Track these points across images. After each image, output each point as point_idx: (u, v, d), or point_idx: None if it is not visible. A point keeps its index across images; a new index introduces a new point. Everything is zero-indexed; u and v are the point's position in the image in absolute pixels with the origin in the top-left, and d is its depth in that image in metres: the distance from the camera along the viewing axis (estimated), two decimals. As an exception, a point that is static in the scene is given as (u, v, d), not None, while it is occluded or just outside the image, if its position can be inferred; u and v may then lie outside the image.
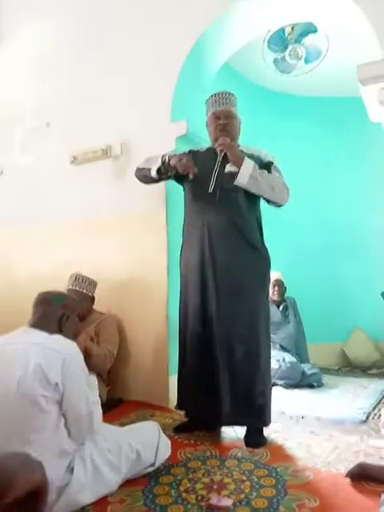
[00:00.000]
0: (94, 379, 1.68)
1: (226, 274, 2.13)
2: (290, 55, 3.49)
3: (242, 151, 2.26)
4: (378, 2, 2.20)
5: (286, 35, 3.42)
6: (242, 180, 2.12)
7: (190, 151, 2.40)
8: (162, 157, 2.27)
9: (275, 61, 3.56)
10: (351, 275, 4.11)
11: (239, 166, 2.12)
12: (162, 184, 2.71)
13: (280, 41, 3.44)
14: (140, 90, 2.90)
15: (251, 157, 2.22)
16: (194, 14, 2.72)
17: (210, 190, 2.17)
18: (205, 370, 2.11)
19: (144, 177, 2.40)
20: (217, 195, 2.16)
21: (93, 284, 2.76)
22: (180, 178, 2.35)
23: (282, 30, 3.37)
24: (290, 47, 3.44)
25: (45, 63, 3.38)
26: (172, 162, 2.21)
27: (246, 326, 2.11)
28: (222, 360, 2.07)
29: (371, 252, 4.11)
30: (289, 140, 4.15)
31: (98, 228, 2.98)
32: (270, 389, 2.19)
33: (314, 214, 4.19)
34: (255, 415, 2.09)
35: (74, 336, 1.72)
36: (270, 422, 2.14)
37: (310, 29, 3.34)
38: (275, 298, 3.63)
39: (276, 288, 3.63)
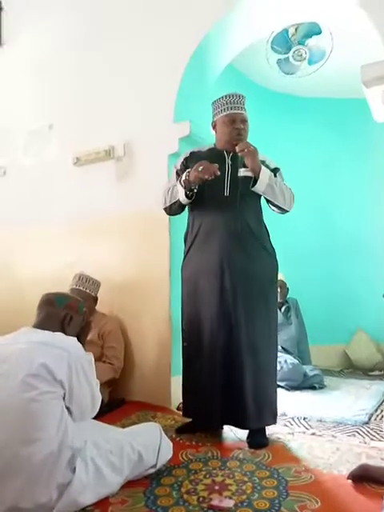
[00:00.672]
0: (90, 356, 1.67)
1: (246, 279, 2.12)
2: (293, 56, 3.49)
3: None
4: (381, 3, 2.20)
5: (290, 36, 3.41)
6: (261, 187, 2.14)
7: (190, 153, 2.34)
8: (181, 181, 2.19)
9: (279, 62, 3.56)
10: (353, 276, 4.11)
11: (257, 173, 2.13)
12: (164, 184, 2.72)
13: (283, 42, 3.44)
14: (143, 90, 2.91)
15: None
16: (197, 14, 2.72)
17: (226, 193, 2.17)
18: (225, 376, 2.09)
19: (176, 210, 2.33)
20: (235, 199, 2.16)
21: (96, 284, 2.77)
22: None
23: (286, 31, 3.37)
24: (293, 48, 3.44)
25: (47, 65, 3.39)
26: (192, 178, 2.13)
27: (263, 331, 2.13)
28: (245, 365, 2.08)
29: (373, 253, 4.10)
30: (292, 141, 4.16)
31: (101, 229, 2.98)
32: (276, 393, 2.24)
33: (317, 216, 4.19)
34: (272, 415, 2.16)
35: (83, 340, 1.73)
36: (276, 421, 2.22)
37: (313, 30, 3.34)
38: (278, 299, 3.62)
39: (279, 290, 3.63)
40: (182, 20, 2.79)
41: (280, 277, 3.58)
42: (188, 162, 2.30)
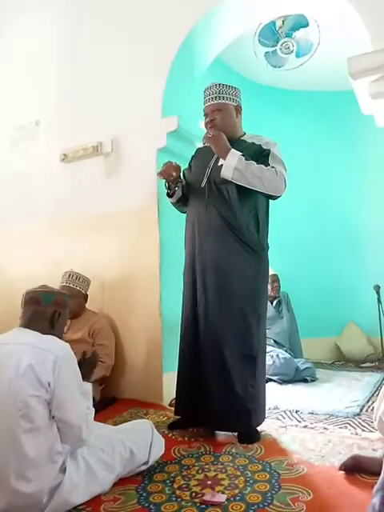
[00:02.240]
0: (89, 386, 1.66)
1: (214, 272, 2.07)
2: (281, 49, 3.48)
3: (243, 140, 2.21)
4: (368, -5, 2.19)
5: (277, 29, 3.41)
6: (227, 172, 2.02)
7: (197, 150, 2.41)
8: (165, 184, 2.30)
9: (266, 54, 3.55)
10: (344, 269, 4.13)
11: (224, 158, 2.03)
12: (153, 181, 2.71)
13: (271, 34, 3.43)
14: (130, 85, 2.88)
15: (251, 146, 2.15)
16: (184, 7, 2.69)
17: (203, 184, 2.15)
18: (194, 373, 2.09)
19: (177, 207, 2.39)
20: (209, 189, 2.13)
21: (86, 282, 2.75)
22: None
23: (273, 23, 3.36)
24: (281, 41, 3.43)
25: (34, 61, 3.34)
26: (167, 180, 2.24)
27: (234, 328, 2.04)
28: (209, 363, 2.04)
29: (364, 246, 4.12)
30: (280, 134, 4.11)
31: (90, 226, 2.96)
32: (264, 392, 2.15)
33: (307, 209, 4.20)
34: (242, 421, 2.03)
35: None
36: (262, 421, 2.12)
37: (300, 22, 3.33)
38: (272, 293, 3.64)
39: (274, 284, 3.65)
40: (168, 13, 2.76)
41: (272, 271, 3.60)
42: (192, 160, 2.36)
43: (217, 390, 2.03)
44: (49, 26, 3.31)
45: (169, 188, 2.29)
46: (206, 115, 2.24)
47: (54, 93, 3.22)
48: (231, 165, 2.01)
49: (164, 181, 2.28)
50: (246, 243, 2.08)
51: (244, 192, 2.07)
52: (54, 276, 2.74)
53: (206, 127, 2.25)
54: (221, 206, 2.10)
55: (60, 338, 1.58)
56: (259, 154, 2.11)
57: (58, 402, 1.41)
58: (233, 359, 2.03)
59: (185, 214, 2.34)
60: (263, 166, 2.04)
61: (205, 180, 2.16)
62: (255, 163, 2.04)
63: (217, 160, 2.17)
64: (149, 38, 2.82)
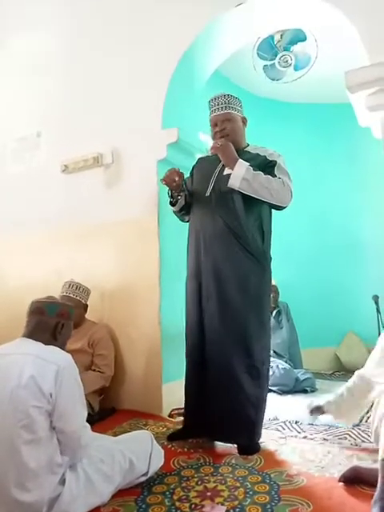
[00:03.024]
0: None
1: (219, 281, 2.07)
2: (279, 62, 3.53)
3: (247, 151, 2.22)
4: (364, 10, 2.24)
5: (276, 43, 3.46)
6: (235, 182, 2.03)
7: (198, 159, 2.42)
8: (168, 192, 2.31)
9: (265, 68, 3.60)
10: (344, 280, 4.13)
11: (232, 168, 2.05)
12: (153, 192, 2.73)
13: (269, 48, 3.48)
14: (130, 97, 2.91)
15: (256, 157, 2.17)
16: (184, 21, 2.74)
17: (208, 193, 2.16)
18: (199, 382, 2.09)
19: (179, 216, 2.41)
20: (214, 199, 2.14)
21: (86, 292, 2.76)
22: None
23: (271, 37, 3.41)
24: (279, 54, 3.48)
25: (36, 72, 3.39)
26: (169, 186, 2.24)
27: (238, 338, 2.03)
28: (214, 372, 2.04)
29: (363, 256, 4.14)
30: (278, 146, 4.16)
31: (90, 236, 2.97)
32: (264, 405, 2.13)
33: (306, 220, 4.22)
34: (245, 433, 2.03)
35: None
36: (259, 437, 2.09)
37: (298, 37, 3.38)
38: (272, 304, 3.64)
39: (273, 294, 3.65)
40: (169, 27, 2.81)
41: (272, 282, 3.61)
42: (193, 169, 2.37)
43: (220, 401, 2.02)
44: (50, 39, 3.36)
45: (171, 196, 2.29)
46: (214, 125, 2.25)
47: (55, 104, 3.26)
48: (239, 175, 2.02)
49: (167, 190, 2.28)
50: (250, 253, 2.08)
51: (249, 202, 2.09)
52: (55, 285, 2.75)
53: (214, 137, 2.25)
54: (227, 215, 2.10)
55: (62, 349, 1.58)
56: (265, 165, 2.13)
57: (59, 413, 1.42)
58: (238, 369, 2.02)
59: (185, 224, 2.35)
60: (270, 177, 2.06)
61: (210, 189, 2.16)
62: (262, 174, 2.05)
63: (221, 169, 2.18)
64: (149, 51, 2.87)
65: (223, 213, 2.11)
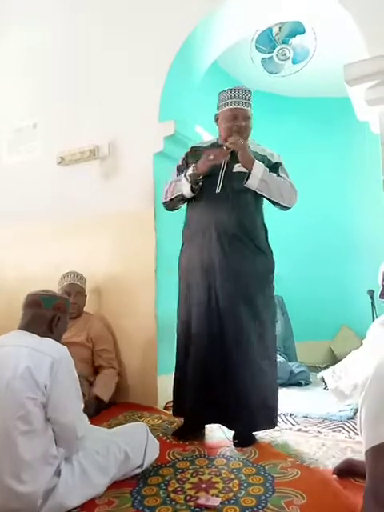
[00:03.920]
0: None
1: (235, 277, 2.08)
2: (277, 55, 3.51)
3: (250, 149, 2.20)
4: (364, 3, 2.23)
5: (274, 35, 3.44)
6: (253, 183, 2.08)
7: (191, 148, 2.34)
8: (187, 175, 2.16)
9: (263, 61, 3.58)
10: (339, 274, 4.15)
11: (250, 168, 2.08)
12: (150, 184, 2.72)
13: (268, 41, 3.46)
14: (128, 90, 2.89)
15: (256, 155, 2.17)
16: (182, 13, 2.71)
17: (218, 190, 2.12)
18: (212, 376, 2.08)
19: (175, 204, 2.31)
20: (228, 196, 2.12)
21: (85, 280, 2.80)
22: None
23: (270, 30, 3.39)
24: (277, 47, 3.47)
25: (32, 64, 3.35)
26: (202, 169, 2.12)
27: (253, 331, 2.08)
28: (229, 366, 2.05)
29: (359, 250, 4.15)
30: (276, 140, 4.16)
31: (86, 229, 2.96)
32: (277, 389, 2.19)
33: (302, 214, 4.20)
34: (265, 420, 2.09)
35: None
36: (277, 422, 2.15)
37: (297, 30, 3.37)
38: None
39: None
40: (166, 18, 2.78)
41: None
42: (189, 158, 2.29)
43: (237, 393, 2.03)
44: (47, 30, 3.31)
45: (195, 182, 2.15)
46: (234, 117, 2.17)
47: (52, 96, 3.23)
48: (257, 176, 2.07)
49: (192, 173, 2.13)
50: (259, 247, 2.16)
51: (256, 199, 2.18)
52: (51, 277, 2.75)
53: (230, 130, 2.18)
54: (241, 213, 2.12)
55: (58, 341, 1.58)
56: (270, 166, 2.18)
57: (53, 405, 1.42)
58: (249, 361, 2.06)
59: (182, 216, 2.32)
60: (282, 179, 2.15)
61: (219, 185, 2.12)
62: (275, 175, 2.14)
63: (229, 165, 2.15)
64: (147, 43, 2.84)
65: (238, 211, 2.12)
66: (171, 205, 2.31)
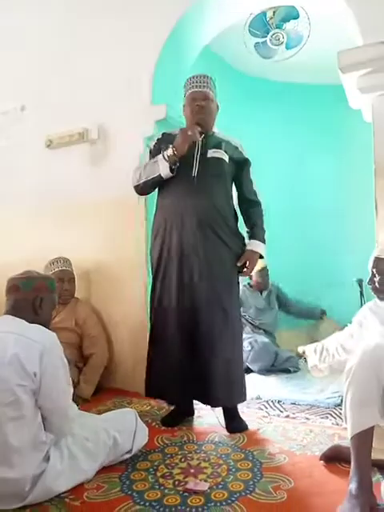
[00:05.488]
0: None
1: (210, 262, 2.09)
2: (271, 40, 3.46)
3: (216, 136, 2.22)
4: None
5: (268, 19, 3.38)
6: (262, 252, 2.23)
7: (162, 134, 2.31)
8: (165, 156, 2.11)
9: (256, 45, 3.53)
10: (328, 263, 4.17)
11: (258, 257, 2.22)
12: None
13: (261, 25, 3.40)
14: (118, 72, 2.83)
15: (227, 144, 2.20)
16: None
17: (194, 174, 2.11)
18: (186, 357, 2.09)
19: (148, 188, 2.26)
20: (203, 181, 2.11)
21: (72, 265, 2.79)
22: None
23: (264, 14, 3.34)
24: (271, 32, 3.41)
25: (19, 45, 3.26)
26: (182, 147, 2.08)
27: (223, 312, 2.10)
28: (204, 346, 2.07)
29: (348, 239, 4.16)
30: (266, 126, 4.15)
31: (75, 214, 2.92)
32: (243, 367, 2.24)
33: (290, 203, 4.21)
34: (236, 394, 2.13)
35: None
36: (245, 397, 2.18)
37: (291, 14, 3.32)
38: (262, 286, 3.67)
39: (264, 276, 3.68)
40: (158, 1, 2.71)
41: (263, 263, 3.61)
42: (160, 143, 2.25)
43: (212, 370, 2.05)
44: (35, 11, 3.21)
45: (174, 163, 2.11)
46: (193, 99, 2.19)
47: (40, 78, 3.14)
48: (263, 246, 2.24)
49: (170, 153, 2.10)
50: (233, 231, 2.20)
51: (227, 184, 2.21)
52: (38, 264, 2.70)
53: (192, 112, 2.19)
54: (216, 197, 2.13)
55: (46, 325, 1.56)
56: (243, 162, 2.26)
57: (44, 392, 1.41)
58: (222, 339, 2.09)
59: (156, 200, 2.30)
60: (260, 220, 2.27)
61: (195, 170, 2.11)
62: (259, 224, 2.26)
63: (203, 151, 2.15)
64: (138, 25, 2.77)
65: (212, 196, 2.13)
66: (144, 188, 2.25)
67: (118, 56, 2.84)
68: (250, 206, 2.28)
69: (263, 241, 2.24)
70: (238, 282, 2.24)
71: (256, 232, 2.24)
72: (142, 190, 2.26)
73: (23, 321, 1.51)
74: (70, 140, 2.92)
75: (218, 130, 2.33)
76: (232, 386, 2.10)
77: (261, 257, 2.23)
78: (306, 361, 2.27)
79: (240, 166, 2.26)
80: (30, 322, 1.51)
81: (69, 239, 2.89)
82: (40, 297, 1.58)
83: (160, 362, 2.15)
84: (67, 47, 3.06)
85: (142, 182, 2.20)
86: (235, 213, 2.27)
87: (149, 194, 2.34)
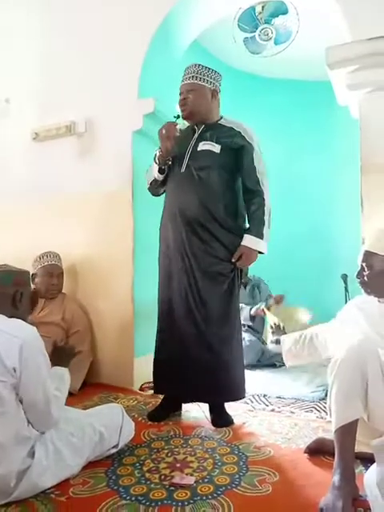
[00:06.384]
0: (65, 372, 1.66)
1: (202, 260, 2.07)
2: (260, 35, 3.46)
3: (220, 125, 2.18)
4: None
5: (257, 14, 3.38)
6: (264, 250, 2.13)
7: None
8: (156, 159, 2.16)
9: (245, 40, 3.53)
10: (313, 258, 4.20)
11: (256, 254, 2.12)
12: (128, 162, 2.67)
13: (250, 20, 3.40)
14: (106, 65, 2.80)
15: (229, 130, 2.14)
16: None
17: (183, 169, 2.11)
18: (184, 354, 2.09)
19: (155, 189, 2.30)
20: (192, 175, 2.09)
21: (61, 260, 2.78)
22: None
23: (253, 8, 3.33)
24: (260, 27, 3.41)
25: (5, 36, 3.20)
26: (163, 148, 2.11)
27: (221, 312, 2.09)
28: (201, 345, 2.07)
29: (333, 235, 4.21)
30: (255, 121, 4.11)
31: (61, 208, 2.89)
32: (243, 365, 2.22)
33: (278, 198, 4.19)
34: (230, 392, 2.13)
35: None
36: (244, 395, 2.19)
37: (280, 9, 3.32)
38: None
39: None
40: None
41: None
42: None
43: (210, 368, 2.05)
44: (21, 4, 3.15)
45: (164, 163, 2.15)
46: (180, 93, 2.20)
47: (26, 70, 3.09)
48: (262, 244, 2.10)
49: (155, 154, 2.17)
50: (227, 229, 2.10)
51: (225, 179, 2.11)
52: (26, 258, 2.67)
53: (179, 105, 2.21)
54: (203, 193, 2.08)
55: (25, 319, 1.53)
56: (242, 149, 2.11)
57: (25, 387, 1.39)
58: (218, 340, 2.08)
59: (161, 196, 2.30)
60: (261, 212, 2.11)
61: (184, 164, 2.11)
62: (261, 218, 2.10)
63: (195, 144, 2.14)
64: (126, 18, 2.74)
65: (200, 191, 2.08)
66: (152, 190, 2.32)
67: (106, 49, 2.80)
68: (250, 197, 2.14)
69: (260, 235, 2.08)
70: (235, 279, 2.14)
71: (251, 226, 2.11)
72: (152, 192, 2.33)
73: (2, 315, 1.49)
74: (56, 133, 2.88)
75: (226, 116, 2.26)
76: (233, 383, 2.11)
77: (260, 253, 2.11)
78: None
79: (240, 154, 2.12)
80: (9, 317, 1.48)
81: (56, 233, 2.86)
82: (20, 291, 1.56)
83: (164, 356, 2.17)
84: (54, 38, 3.01)
85: (148, 185, 2.29)
86: (237, 206, 2.16)
87: (160, 194, 2.32)
